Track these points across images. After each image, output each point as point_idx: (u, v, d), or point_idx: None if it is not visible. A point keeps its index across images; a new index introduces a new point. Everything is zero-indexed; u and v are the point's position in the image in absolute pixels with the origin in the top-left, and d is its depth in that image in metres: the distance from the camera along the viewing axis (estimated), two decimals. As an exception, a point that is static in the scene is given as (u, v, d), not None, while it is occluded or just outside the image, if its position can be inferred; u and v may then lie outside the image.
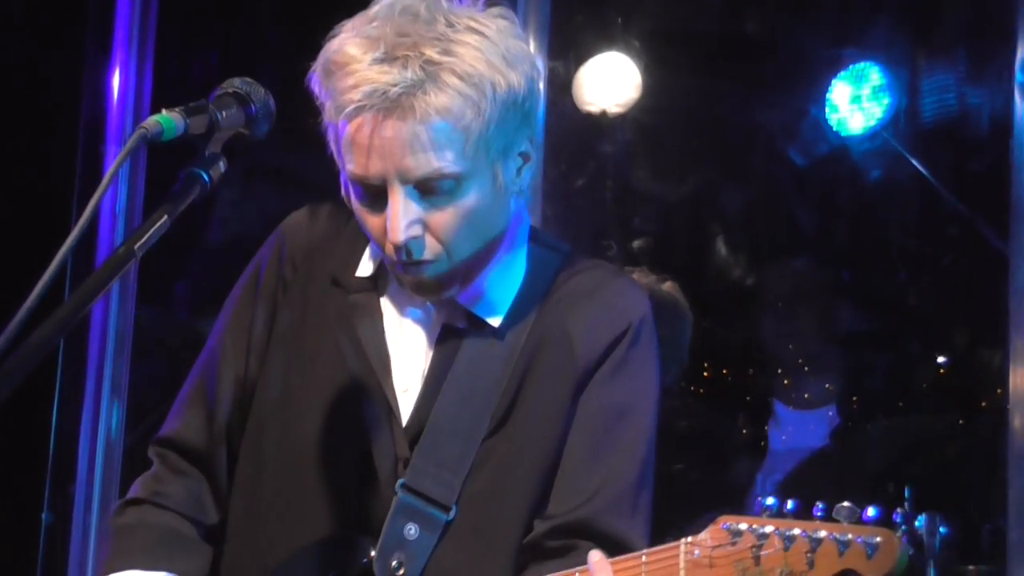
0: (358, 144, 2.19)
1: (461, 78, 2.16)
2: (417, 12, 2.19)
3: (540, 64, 2.33)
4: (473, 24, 2.20)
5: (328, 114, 2.24)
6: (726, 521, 1.96)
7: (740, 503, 4.81)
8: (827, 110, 4.95)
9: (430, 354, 2.35)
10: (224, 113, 2.10)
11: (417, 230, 2.22)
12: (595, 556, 2.12)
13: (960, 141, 4.75)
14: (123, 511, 2.48)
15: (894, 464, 4.58)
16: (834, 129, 4.95)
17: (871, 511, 1.86)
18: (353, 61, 2.17)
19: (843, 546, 1.85)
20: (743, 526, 1.94)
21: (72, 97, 4.05)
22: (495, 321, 2.34)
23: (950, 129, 4.82)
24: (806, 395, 4.80)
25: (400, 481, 2.28)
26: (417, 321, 2.37)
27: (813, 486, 4.72)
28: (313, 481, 2.35)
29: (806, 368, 4.81)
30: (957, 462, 4.71)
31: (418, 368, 2.35)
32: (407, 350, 2.36)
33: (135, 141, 1.98)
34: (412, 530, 2.26)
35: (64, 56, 4.11)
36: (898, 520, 1.85)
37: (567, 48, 4.95)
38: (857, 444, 4.68)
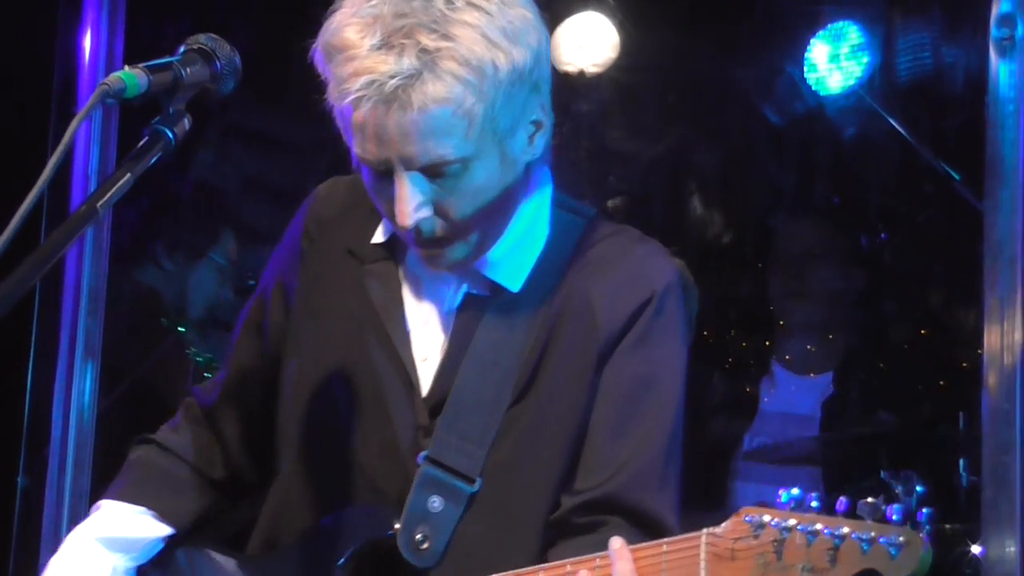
0: (361, 130, 2.16)
1: (460, 64, 2.11)
2: None
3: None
4: (475, 0, 2.15)
5: (331, 95, 2.21)
6: (748, 513, 1.93)
7: (725, 465, 4.81)
8: (805, 69, 4.92)
9: (450, 323, 2.32)
10: (189, 69, 2.06)
11: (426, 211, 2.20)
12: (616, 543, 2.07)
13: (936, 99, 4.74)
14: (134, 448, 2.52)
15: (873, 425, 4.58)
16: (812, 88, 4.93)
17: (896, 508, 1.82)
18: (351, 47, 2.13)
19: (867, 544, 1.81)
20: (766, 519, 1.90)
21: (43, 58, 4.00)
22: (515, 286, 2.30)
23: (926, 87, 4.81)
24: (801, 360, 4.79)
25: (423, 453, 2.25)
26: (436, 290, 2.35)
27: (797, 450, 4.73)
28: (336, 451, 2.34)
29: (790, 329, 4.81)
30: (935, 421, 4.71)
31: (437, 338, 2.32)
32: (426, 319, 2.34)
33: (96, 98, 1.94)
34: (436, 503, 2.23)
35: (35, 17, 4.07)
36: (922, 519, 1.82)
37: (544, 8, 4.89)
38: (843, 409, 4.68)
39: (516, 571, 2.16)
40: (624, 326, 2.27)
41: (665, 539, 2.04)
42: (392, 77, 2.10)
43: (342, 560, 2.26)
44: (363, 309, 2.34)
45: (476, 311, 2.30)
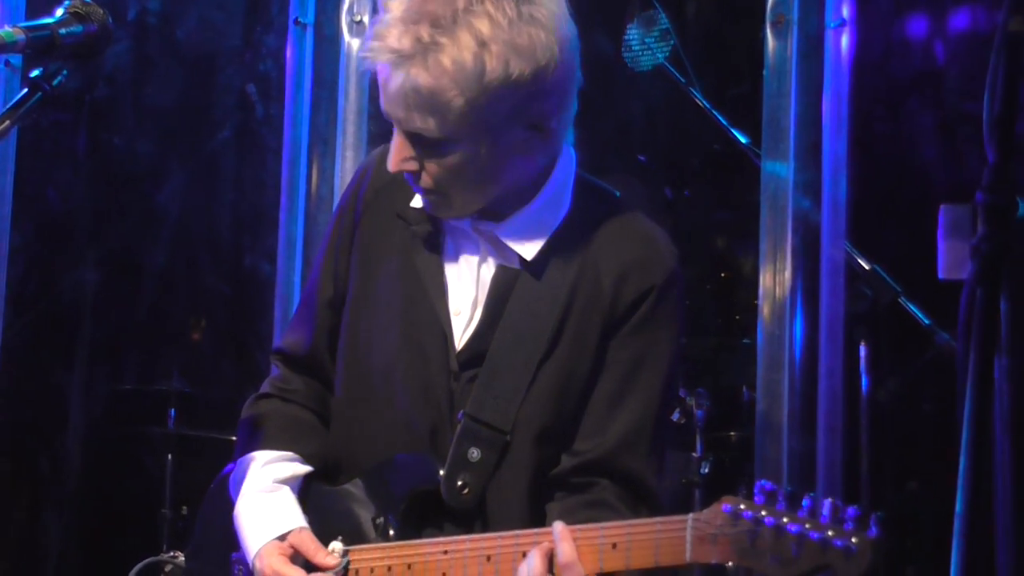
0: (379, 81, 2.22)
1: (449, 61, 2.12)
2: None
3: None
4: (492, 9, 2.14)
5: None
6: (727, 503, 1.97)
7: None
8: (623, 49, 5.08)
9: (477, 283, 2.35)
10: (64, 30, 2.11)
11: (411, 165, 2.25)
12: (558, 527, 2.13)
13: (725, 72, 4.92)
14: (255, 404, 2.55)
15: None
16: (628, 65, 5.10)
17: (850, 511, 1.87)
18: (387, 10, 2.18)
19: (825, 545, 1.87)
20: (742, 509, 1.95)
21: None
22: (528, 255, 2.31)
23: (717, 63, 4.98)
24: None
25: (463, 411, 2.30)
26: (470, 255, 2.36)
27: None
28: (378, 387, 2.39)
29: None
30: (721, 350, 4.89)
31: (469, 295, 2.35)
32: (460, 278, 2.36)
33: (-32, 52, 1.98)
34: (475, 453, 2.28)
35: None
36: (873, 522, 1.86)
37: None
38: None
39: (511, 532, 2.20)
40: (628, 310, 2.30)
41: (657, 519, 2.07)
42: (391, 51, 2.15)
43: (397, 501, 2.34)
44: (408, 267, 2.38)
45: (507, 283, 2.32)
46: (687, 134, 5.23)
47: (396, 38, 2.14)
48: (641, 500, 2.29)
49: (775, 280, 3.55)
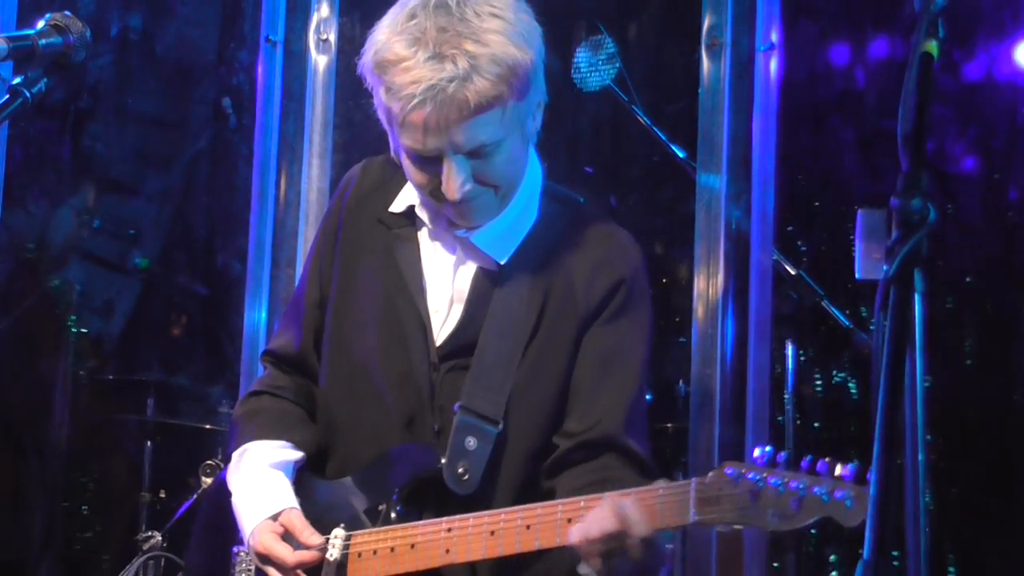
0: (416, 126, 2.15)
1: (497, 64, 2.12)
2: (448, 6, 2.15)
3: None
4: (492, 9, 2.16)
5: (384, 99, 2.19)
6: (729, 466, 1.96)
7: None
8: (572, 71, 5.09)
9: (455, 284, 2.34)
10: (44, 41, 2.07)
11: (469, 186, 2.21)
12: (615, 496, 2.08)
13: (664, 91, 4.93)
14: (246, 401, 2.53)
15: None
16: (577, 86, 5.11)
17: (849, 467, 1.88)
18: (406, 59, 2.13)
19: (826, 497, 1.88)
20: (743, 471, 1.94)
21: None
22: (502, 258, 2.32)
23: (658, 82, 5.00)
24: None
25: (458, 404, 2.28)
26: (443, 255, 2.36)
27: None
28: (361, 383, 2.37)
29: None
30: (659, 348, 4.90)
31: (446, 293, 2.34)
32: (438, 277, 2.36)
33: (-48, 62, 1.94)
34: (471, 442, 2.27)
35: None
36: (871, 478, 1.84)
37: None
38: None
39: (537, 504, 2.17)
40: (600, 304, 2.31)
41: (661, 483, 2.05)
42: (451, 81, 2.10)
43: (398, 488, 2.32)
44: (390, 267, 2.37)
45: (487, 284, 2.32)
46: (630, 148, 5.24)
47: (449, 68, 2.11)
48: (645, 471, 2.28)
49: (708, 283, 3.56)
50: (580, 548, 2.07)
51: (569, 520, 2.10)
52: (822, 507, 1.88)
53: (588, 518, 2.07)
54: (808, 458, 1.92)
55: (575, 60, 5.06)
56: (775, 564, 4.28)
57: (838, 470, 1.89)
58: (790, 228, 4.98)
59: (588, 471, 2.27)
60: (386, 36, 2.17)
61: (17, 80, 2.06)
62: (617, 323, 2.32)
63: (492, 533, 2.17)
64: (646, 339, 2.36)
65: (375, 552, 2.28)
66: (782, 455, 1.94)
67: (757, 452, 1.95)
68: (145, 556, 4.49)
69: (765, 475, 1.93)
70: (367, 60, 2.20)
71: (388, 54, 2.15)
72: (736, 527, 1.96)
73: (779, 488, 1.91)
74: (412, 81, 2.11)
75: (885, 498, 1.36)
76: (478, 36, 2.12)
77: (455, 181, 2.19)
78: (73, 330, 5.54)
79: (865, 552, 1.38)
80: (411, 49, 2.12)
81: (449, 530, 2.21)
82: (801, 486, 1.90)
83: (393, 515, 2.30)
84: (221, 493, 2.46)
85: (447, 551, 2.21)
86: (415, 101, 2.11)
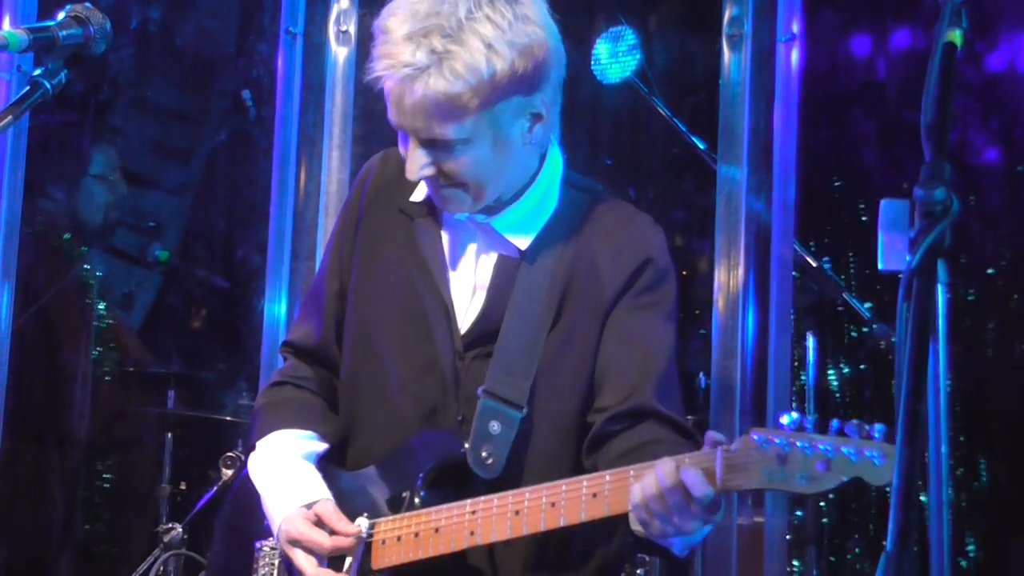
0: (389, 98, 2.20)
1: (463, 66, 2.13)
2: None
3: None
4: (491, 13, 2.16)
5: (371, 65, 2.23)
6: (756, 433, 1.94)
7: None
8: (592, 63, 5.09)
9: (477, 272, 2.35)
10: (65, 32, 2.07)
11: (429, 171, 2.24)
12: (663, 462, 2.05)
13: (685, 83, 4.91)
14: (269, 391, 2.54)
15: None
16: (597, 78, 5.11)
17: (877, 428, 1.87)
18: (389, 31, 2.17)
19: (855, 457, 1.87)
20: (771, 437, 1.92)
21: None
22: (522, 245, 2.33)
23: (678, 75, 4.98)
24: None
25: (482, 388, 2.29)
26: (465, 243, 2.37)
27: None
28: (383, 372, 2.38)
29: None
30: (685, 340, 4.89)
31: (469, 280, 2.36)
32: (460, 265, 2.37)
33: (-22, 51, 1.94)
34: (495, 427, 2.28)
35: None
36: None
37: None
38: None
39: (581, 477, 2.16)
40: (627, 282, 2.31)
41: (688, 454, 2.03)
42: (406, 66, 2.13)
43: (422, 475, 2.32)
44: (412, 256, 2.38)
45: (510, 271, 2.33)
46: (650, 139, 5.23)
47: (410, 53, 2.14)
48: (684, 434, 2.26)
49: (729, 275, 3.55)
50: (640, 508, 2.05)
51: (594, 495, 2.11)
52: (851, 467, 1.87)
53: (645, 478, 2.05)
54: (836, 422, 1.90)
55: (595, 51, 5.06)
56: (794, 563, 4.26)
57: (866, 431, 1.88)
58: (811, 219, 4.96)
59: (627, 439, 2.26)
60: (394, 5, 2.21)
61: (38, 71, 2.06)
62: (645, 300, 2.33)
63: (517, 512, 2.18)
64: (673, 315, 2.37)
65: (399, 538, 2.28)
66: (809, 420, 1.92)
67: (785, 419, 1.93)
68: (168, 554, 4.49)
69: (792, 439, 1.91)
70: (376, 22, 2.24)
71: (383, 21, 2.19)
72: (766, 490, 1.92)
73: (806, 451, 1.89)
74: (382, 54, 2.17)
75: (908, 490, 1.36)
76: (457, 35, 2.14)
77: (413, 162, 2.23)
78: (101, 323, 5.55)
79: (888, 544, 1.37)
80: (398, 23, 2.16)
81: (473, 512, 2.22)
82: (828, 447, 1.88)
83: (417, 501, 2.31)
84: (245, 491, 2.46)
85: (472, 533, 2.21)
86: (376, 73, 2.18)
